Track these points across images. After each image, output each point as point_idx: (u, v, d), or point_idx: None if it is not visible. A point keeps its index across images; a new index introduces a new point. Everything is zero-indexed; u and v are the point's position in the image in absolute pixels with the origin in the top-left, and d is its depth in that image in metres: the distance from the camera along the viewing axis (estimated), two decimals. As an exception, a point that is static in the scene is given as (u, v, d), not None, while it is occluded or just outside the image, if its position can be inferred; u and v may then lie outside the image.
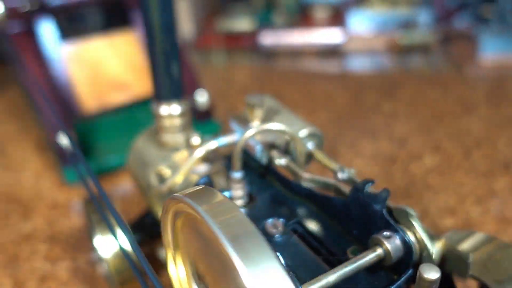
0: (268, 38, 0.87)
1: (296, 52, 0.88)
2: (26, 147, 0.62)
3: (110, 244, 0.38)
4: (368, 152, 0.58)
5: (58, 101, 0.54)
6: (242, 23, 0.91)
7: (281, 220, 0.31)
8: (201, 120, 0.58)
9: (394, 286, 0.26)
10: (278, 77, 0.79)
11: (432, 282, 0.23)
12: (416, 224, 0.27)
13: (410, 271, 0.27)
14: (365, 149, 0.59)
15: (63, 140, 0.49)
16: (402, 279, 0.26)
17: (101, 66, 0.58)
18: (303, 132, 0.35)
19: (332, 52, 0.87)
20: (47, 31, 0.56)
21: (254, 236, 0.20)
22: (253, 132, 0.32)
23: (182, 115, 0.38)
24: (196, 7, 0.95)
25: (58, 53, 0.57)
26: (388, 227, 0.27)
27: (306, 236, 0.30)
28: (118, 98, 0.57)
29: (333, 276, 0.25)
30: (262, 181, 0.36)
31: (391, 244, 0.26)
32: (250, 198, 0.34)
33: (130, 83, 0.59)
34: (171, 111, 0.37)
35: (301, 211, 0.32)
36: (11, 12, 0.54)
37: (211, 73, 0.81)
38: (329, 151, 0.55)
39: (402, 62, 0.83)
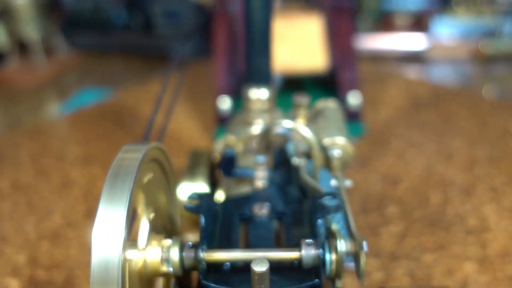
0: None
1: (379, 57, 0.90)
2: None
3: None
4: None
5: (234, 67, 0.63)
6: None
7: (268, 204, 0.32)
8: (349, 120, 0.60)
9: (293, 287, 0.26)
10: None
11: (259, 273, 0.23)
12: (340, 245, 0.27)
13: (314, 281, 0.26)
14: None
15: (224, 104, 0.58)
16: (302, 285, 0.26)
17: (283, 39, 0.65)
18: (327, 141, 0.37)
19: (414, 58, 0.89)
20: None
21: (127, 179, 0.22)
22: (269, 125, 0.36)
23: (267, 99, 0.41)
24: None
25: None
26: (315, 237, 0.27)
27: (283, 224, 0.32)
28: (299, 67, 0.65)
29: (242, 254, 0.26)
30: (287, 174, 0.38)
31: (306, 251, 0.26)
32: (269, 183, 0.36)
33: (296, 60, 0.65)
34: (259, 94, 0.41)
35: (294, 206, 0.33)
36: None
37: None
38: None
39: (486, 71, 0.84)
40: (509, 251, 0.43)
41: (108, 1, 1.02)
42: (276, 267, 0.27)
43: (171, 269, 0.26)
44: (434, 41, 0.90)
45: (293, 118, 0.41)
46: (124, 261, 0.22)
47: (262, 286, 0.23)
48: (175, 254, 0.26)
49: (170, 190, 0.31)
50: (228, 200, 0.34)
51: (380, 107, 0.70)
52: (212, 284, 0.26)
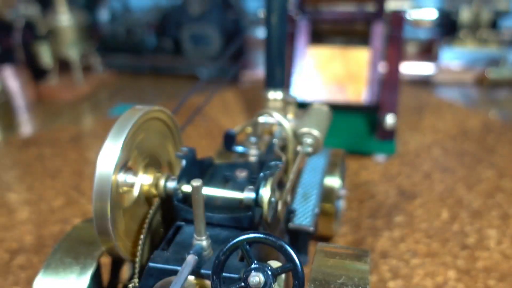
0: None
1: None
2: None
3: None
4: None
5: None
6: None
7: (248, 171, 0.38)
8: (382, 139, 0.66)
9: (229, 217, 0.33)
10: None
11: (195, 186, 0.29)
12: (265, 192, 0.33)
13: (248, 213, 0.33)
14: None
15: None
16: (240, 214, 0.33)
17: (328, 67, 0.71)
18: (302, 130, 0.42)
19: (422, 82, 0.96)
20: (303, 34, 0.71)
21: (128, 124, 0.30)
22: (261, 118, 0.44)
23: (282, 100, 0.49)
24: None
25: (303, 51, 0.72)
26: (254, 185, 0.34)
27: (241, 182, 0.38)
28: (333, 96, 0.70)
29: (205, 189, 0.34)
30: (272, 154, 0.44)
31: (246, 193, 0.33)
32: (257, 158, 0.42)
33: (346, 87, 0.71)
34: (275, 96, 0.49)
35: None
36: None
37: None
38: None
39: (491, 95, 0.90)
40: (497, 268, 0.46)
41: (139, 27, 1.11)
42: (227, 206, 0.35)
43: (156, 192, 0.35)
44: (442, 67, 0.96)
45: (285, 113, 0.47)
46: (116, 180, 0.30)
47: (197, 196, 0.29)
48: (161, 182, 0.35)
49: (176, 144, 0.39)
50: (220, 164, 0.41)
51: (424, 131, 0.74)
52: (180, 204, 0.34)
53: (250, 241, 0.27)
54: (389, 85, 0.67)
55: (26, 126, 0.85)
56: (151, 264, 0.30)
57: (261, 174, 0.35)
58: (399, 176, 0.62)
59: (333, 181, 0.47)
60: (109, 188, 0.29)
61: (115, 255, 0.31)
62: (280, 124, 0.43)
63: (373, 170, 0.64)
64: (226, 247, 0.27)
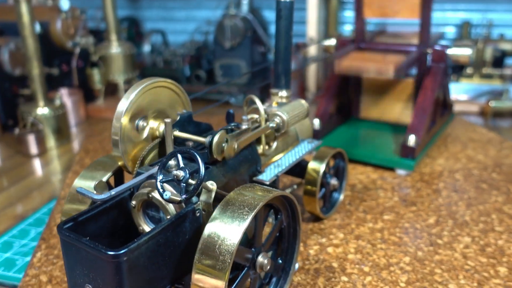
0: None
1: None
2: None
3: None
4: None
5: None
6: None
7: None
8: (403, 156, 0.73)
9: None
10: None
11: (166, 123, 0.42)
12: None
13: (205, 151, 0.42)
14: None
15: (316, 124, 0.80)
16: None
17: (380, 92, 0.83)
18: (273, 111, 0.52)
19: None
20: None
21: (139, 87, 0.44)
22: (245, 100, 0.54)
23: (286, 97, 0.58)
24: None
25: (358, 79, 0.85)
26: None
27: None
28: (379, 114, 0.82)
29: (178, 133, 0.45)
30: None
31: (205, 139, 0.43)
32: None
33: (390, 109, 0.82)
34: (281, 94, 0.58)
35: None
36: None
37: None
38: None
39: (494, 123, 0.98)
40: (451, 263, 0.50)
41: (176, 58, 1.25)
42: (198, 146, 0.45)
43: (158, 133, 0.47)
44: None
45: (270, 103, 0.57)
46: (126, 122, 0.43)
47: (167, 129, 0.42)
48: (161, 127, 0.46)
49: (185, 107, 0.50)
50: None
51: (459, 158, 0.77)
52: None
53: (180, 152, 0.39)
54: (420, 110, 0.73)
55: (75, 138, 0.97)
56: (138, 171, 0.42)
57: (219, 129, 0.44)
58: (409, 189, 0.67)
59: (317, 166, 0.56)
60: (119, 126, 0.43)
61: (126, 169, 0.45)
62: (257, 107, 0.52)
63: (388, 181, 0.70)
64: (167, 156, 0.39)
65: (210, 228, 0.36)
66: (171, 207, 0.39)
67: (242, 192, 0.38)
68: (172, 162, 0.39)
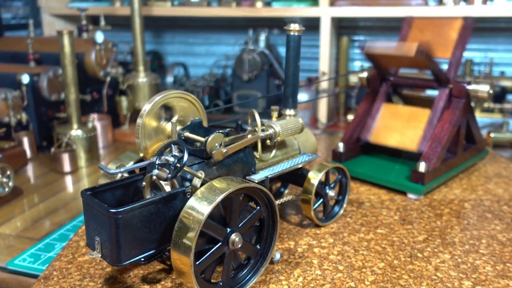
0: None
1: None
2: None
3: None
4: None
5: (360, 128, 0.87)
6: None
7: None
8: (414, 181, 0.75)
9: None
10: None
11: (172, 123, 0.52)
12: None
13: (202, 148, 0.51)
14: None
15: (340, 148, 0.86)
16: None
17: (394, 120, 0.84)
18: (267, 123, 0.59)
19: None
20: (382, 94, 0.86)
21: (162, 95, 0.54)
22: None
23: (293, 115, 0.67)
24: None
25: (379, 106, 0.86)
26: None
27: None
28: (391, 141, 0.83)
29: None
30: None
31: (203, 139, 0.51)
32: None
33: (405, 135, 0.82)
34: (289, 112, 0.67)
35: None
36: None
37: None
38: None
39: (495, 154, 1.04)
40: (421, 273, 0.52)
41: (197, 91, 1.34)
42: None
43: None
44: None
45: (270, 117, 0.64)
46: (148, 119, 0.52)
47: (173, 127, 0.52)
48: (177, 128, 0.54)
49: (200, 116, 0.58)
50: None
51: (476, 190, 0.77)
52: (178, 140, 0.52)
53: (173, 143, 0.49)
54: (435, 140, 0.76)
55: (103, 158, 1.05)
56: (150, 159, 0.51)
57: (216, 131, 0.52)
58: (413, 211, 0.69)
59: (314, 177, 0.63)
60: (141, 121, 0.52)
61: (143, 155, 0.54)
62: (255, 119, 0.59)
63: (396, 203, 0.73)
64: (165, 146, 0.49)
65: (189, 203, 0.45)
66: (167, 188, 0.49)
67: (222, 180, 0.47)
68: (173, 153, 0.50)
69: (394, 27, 1.36)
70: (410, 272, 0.53)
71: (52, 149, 0.96)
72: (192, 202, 0.45)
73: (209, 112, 1.33)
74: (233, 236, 0.47)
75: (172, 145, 0.49)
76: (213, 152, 0.51)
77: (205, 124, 0.58)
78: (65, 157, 0.95)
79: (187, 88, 1.35)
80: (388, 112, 0.85)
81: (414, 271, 0.54)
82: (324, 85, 1.25)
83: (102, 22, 1.20)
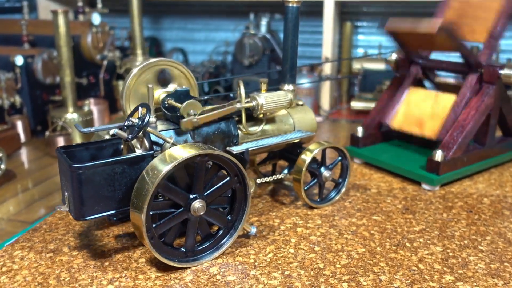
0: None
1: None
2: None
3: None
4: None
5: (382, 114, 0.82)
6: (373, 104, 1.18)
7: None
8: (428, 171, 0.71)
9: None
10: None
11: (148, 88, 0.51)
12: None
13: (177, 114, 0.53)
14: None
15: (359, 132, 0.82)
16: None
17: (419, 106, 0.78)
18: (251, 95, 0.58)
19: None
20: (409, 77, 0.81)
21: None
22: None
23: (291, 91, 0.65)
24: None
25: (405, 91, 0.81)
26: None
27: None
28: (411, 127, 0.78)
29: None
30: None
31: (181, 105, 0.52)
32: None
33: (425, 123, 0.76)
34: (287, 87, 0.65)
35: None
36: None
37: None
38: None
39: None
40: (401, 262, 0.50)
41: (196, 77, 1.30)
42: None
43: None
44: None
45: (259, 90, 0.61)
46: (133, 80, 0.55)
47: (149, 93, 0.50)
48: (162, 96, 0.56)
49: (192, 87, 0.59)
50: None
51: (501, 185, 0.72)
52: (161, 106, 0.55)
53: (141, 105, 0.50)
54: (458, 128, 0.71)
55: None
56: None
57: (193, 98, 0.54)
58: (421, 202, 0.65)
59: (306, 155, 0.62)
60: (126, 83, 0.54)
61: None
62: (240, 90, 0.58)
63: (406, 192, 0.69)
64: (134, 108, 0.51)
65: (150, 164, 0.47)
66: (139, 151, 0.50)
67: (185, 146, 0.48)
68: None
69: (399, 13, 1.33)
70: (389, 260, 0.51)
71: (47, 133, 0.93)
72: (153, 163, 0.47)
73: (209, 98, 1.31)
74: (196, 203, 0.47)
75: (140, 107, 0.50)
76: (182, 121, 0.51)
77: (194, 94, 0.59)
78: (60, 141, 0.92)
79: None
80: (414, 97, 0.79)
81: (394, 260, 0.51)
82: (327, 71, 1.22)
83: (99, 5, 1.17)
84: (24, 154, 0.94)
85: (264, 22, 1.25)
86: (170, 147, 0.49)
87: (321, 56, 1.23)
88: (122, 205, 0.48)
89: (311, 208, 0.63)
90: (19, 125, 0.99)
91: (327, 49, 1.21)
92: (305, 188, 0.62)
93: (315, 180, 0.64)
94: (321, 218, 0.60)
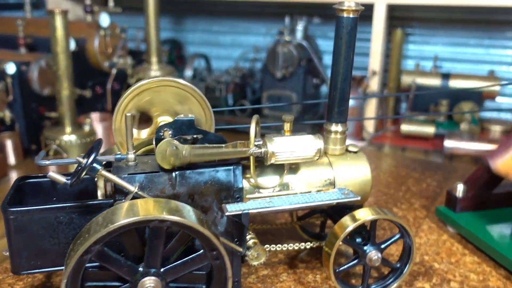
0: (452, 143, 0.93)
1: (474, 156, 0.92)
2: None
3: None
4: None
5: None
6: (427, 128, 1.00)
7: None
8: (446, 205, 0.62)
9: None
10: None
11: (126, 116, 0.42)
12: None
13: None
14: None
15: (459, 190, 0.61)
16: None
17: None
18: (261, 141, 0.44)
19: None
20: None
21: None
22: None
23: (341, 133, 0.49)
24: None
25: None
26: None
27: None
28: None
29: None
30: None
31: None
32: None
33: None
34: (335, 128, 0.49)
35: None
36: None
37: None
38: None
39: None
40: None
41: (219, 88, 1.14)
42: None
43: None
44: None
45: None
46: (123, 105, 0.48)
47: (127, 123, 0.41)
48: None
49: (203, 108, 0.48)
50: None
51: None
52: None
53: (96, 142, 0.41)
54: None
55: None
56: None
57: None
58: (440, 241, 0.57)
59: (344, 224, 0.46)
60: (119, 104, 0.47)
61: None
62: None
63: (431, 230, 0.61)
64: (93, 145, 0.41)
65: (91, 222, 0.37)
66: (99, 194, 0.42)
67: (147, 202, 0.38)
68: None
69: (456, 20, 1.14)
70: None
71: (36, 158, 0.77)
72: (93, 220, 0.37)
73: (231, 114, 1.14)
74: (147, 280, 0.38)
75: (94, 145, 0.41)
76: (157, 156, 0.41)
77: (208, 126, 0.48)
78: (52, 167, 0.76)
79: (208, 84, 1.15)
80: None
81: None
82: (373, 86, 1.04)
83: (111, 3, 1.01)
84: (13, 181, 0.79)
85: (300, 27, 1.08)
86: (131, 198, 0.39)
87: (368, 67, 1.04)
88: None
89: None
90: (9, 144, 0.83)
91: (375, 60, 1.03)
92: (338, 270, 0.45)
93: (356, 261, 0.46)
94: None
